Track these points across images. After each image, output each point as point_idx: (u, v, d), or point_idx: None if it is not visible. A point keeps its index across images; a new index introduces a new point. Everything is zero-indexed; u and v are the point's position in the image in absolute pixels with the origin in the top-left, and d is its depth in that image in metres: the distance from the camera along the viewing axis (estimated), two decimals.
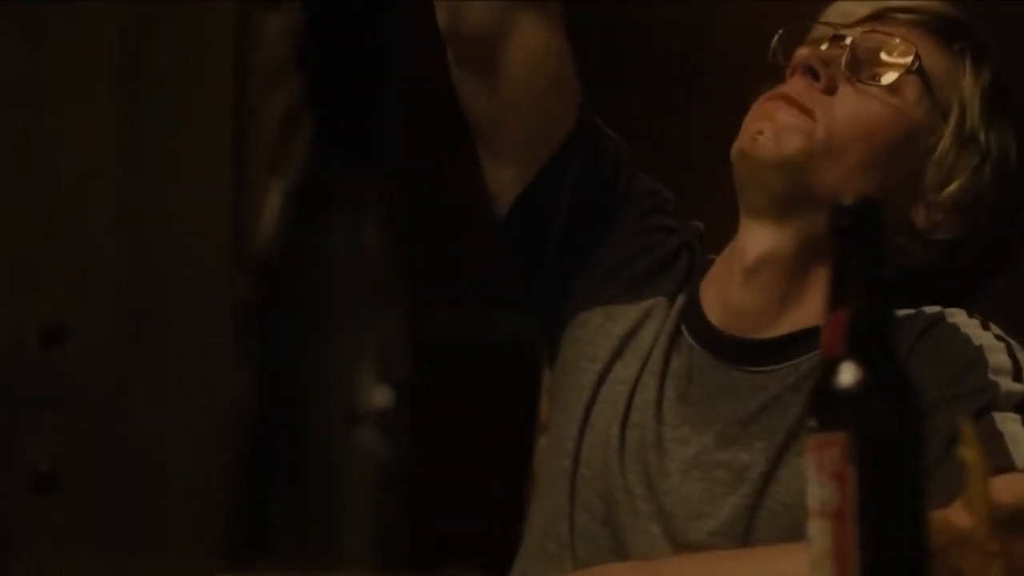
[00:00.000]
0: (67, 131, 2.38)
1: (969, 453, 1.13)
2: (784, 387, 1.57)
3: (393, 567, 3.44)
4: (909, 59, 1.61)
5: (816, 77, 1.60)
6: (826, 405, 1.11)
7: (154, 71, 2.40)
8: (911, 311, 1.57)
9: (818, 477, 1.09)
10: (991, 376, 1.50)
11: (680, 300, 1.66)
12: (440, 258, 3.16)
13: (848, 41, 1.62)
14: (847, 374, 1.10)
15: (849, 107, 1.60)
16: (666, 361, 1.62)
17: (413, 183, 3.19)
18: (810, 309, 1.58)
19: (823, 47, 1.63)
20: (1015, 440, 1.44)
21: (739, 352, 1.61)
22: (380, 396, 3.40)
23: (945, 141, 1.61)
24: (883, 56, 1.62)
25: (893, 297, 1.13)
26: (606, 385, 1.63)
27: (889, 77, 1.61)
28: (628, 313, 1.66)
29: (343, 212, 3.26)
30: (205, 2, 2.41)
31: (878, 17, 1.64)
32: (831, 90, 1.60)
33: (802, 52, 1.62)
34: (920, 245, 1.62)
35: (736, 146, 1.63)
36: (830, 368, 1.11)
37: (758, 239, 1.62)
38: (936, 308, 1.58)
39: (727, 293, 1.64)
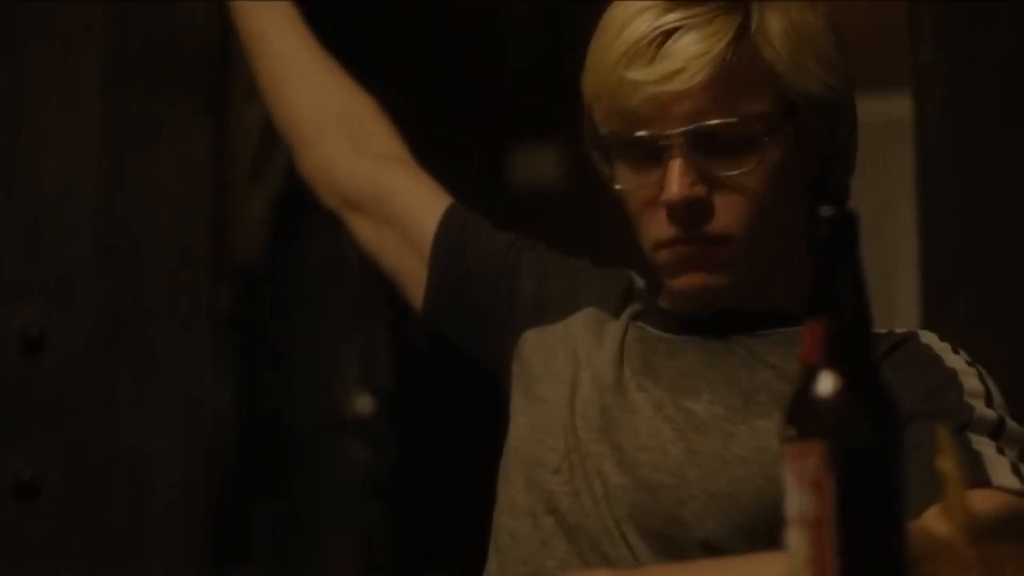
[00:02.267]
0: (48, 142, 2.38)
1: (947, 463, 1.13)
2: (735, 355, 1.65)
3: (377, 575, 3.43)
4: (739, 133, 1.60)
5: (698, 202, 1.61)
6: (805, 414, 1.11)
7: (135, 81, 2.40)
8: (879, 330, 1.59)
9: (797, 486, 1.09)
10: (967, 399, 1.52)
11: (627, 311, 1.75)
12: None
13: (679, 142, 1.60)
14: (826, 383, 1.11)
15: (737, 206, 1.61)
16: (623, 335, 1.71)
17: None
18: (763, 289, 1.66)
19: (675, 159, 1.60)
20: (992, 461, 1.45)
21: (690, 326, 1.69)
22: (363, 405, 3.40)
23: (814, 119, 1.63)
24: (720, 140, 1.60)
25: (872, 306, 1.13)
26: (551, 371, 1.73)
27: (738, 160, 1.61)
28: (557, 328, 1.77)
29: (325, 221, 3.25)
30: (187, 12, 2.41)
31: (674, 90, 1.59)
32: (711, 207, 1.61)
33: (673, 195, 1.60)
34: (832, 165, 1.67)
35: (676, 289, 1.67)
36: (809, 377, 1.11)
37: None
38: (907, 330, 1.62)
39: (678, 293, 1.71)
